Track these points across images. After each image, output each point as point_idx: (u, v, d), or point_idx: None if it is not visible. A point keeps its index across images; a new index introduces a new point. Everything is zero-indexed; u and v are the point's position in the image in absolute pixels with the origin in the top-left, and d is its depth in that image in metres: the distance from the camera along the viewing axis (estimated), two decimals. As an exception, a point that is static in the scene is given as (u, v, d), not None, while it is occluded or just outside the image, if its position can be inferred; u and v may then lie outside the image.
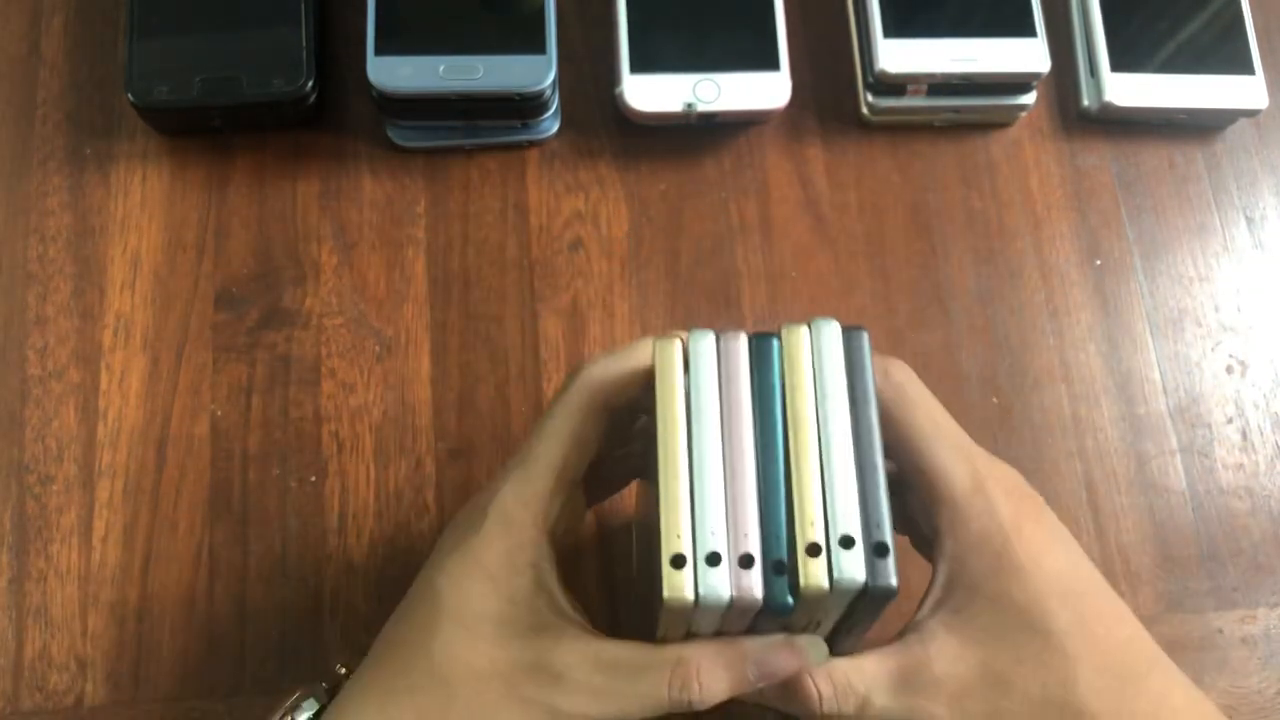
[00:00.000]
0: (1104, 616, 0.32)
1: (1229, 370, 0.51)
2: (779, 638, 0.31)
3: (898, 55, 0.50)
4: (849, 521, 0.28)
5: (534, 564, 0.32)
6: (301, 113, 0.49)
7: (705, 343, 0.30)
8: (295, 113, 0.48)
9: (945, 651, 0.32)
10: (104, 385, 0.46)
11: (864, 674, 0.32)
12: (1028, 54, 0.51)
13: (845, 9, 0.54)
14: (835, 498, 0.28)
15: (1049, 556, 0.32)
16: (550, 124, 0.50)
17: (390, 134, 0.50)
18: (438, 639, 0.32)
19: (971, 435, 0.48)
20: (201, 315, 0.47)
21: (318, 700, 0.34)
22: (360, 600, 0.44)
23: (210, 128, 0.49)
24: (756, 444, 0.29)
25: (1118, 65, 0.52)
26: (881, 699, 0.31)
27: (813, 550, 0.28)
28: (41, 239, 0.48)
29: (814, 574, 0.28)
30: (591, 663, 0.31)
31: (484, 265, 0.49)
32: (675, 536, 0.28)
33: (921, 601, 0.33)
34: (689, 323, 0.49)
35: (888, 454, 0.30)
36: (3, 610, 0.43)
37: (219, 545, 0.44)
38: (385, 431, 0.46)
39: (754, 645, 0.31)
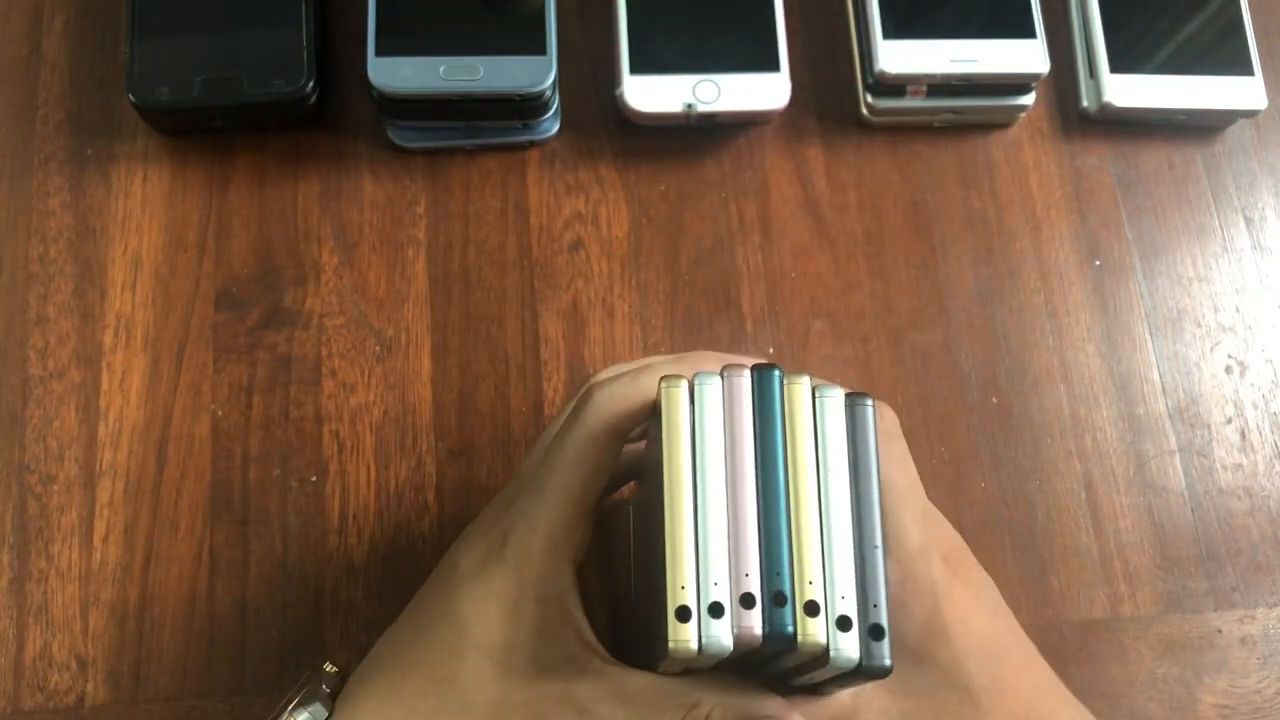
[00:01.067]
0: (1017, 669, 0.35)
1: (1228, 370, 0.51)
2: (790, 707, 0.32)
3: (897, 56, 0.50)
4: (846, 603, 0.28)
5: (558, 594, 0.33)
6: (302, 113, 0.49)
7: (711, 388, 0.30)
8: (296, 113, 0.49)
9: (873, 705, 0.33)
10: (105, 385, 0.46)
11: (798, 707, 0.33)
12: (1027, 55, 0.51)
13: (845, 10, 0.54)
14: (834, 577, 0.29)
15: (974, 618, 0.34)
16: (550, 124, 0.50)
17: (390, 134, 0.50)
18: (464, 666, 0.32)
19: (971, 435, 0.48)
20: (202, 315, 0.47)
21: (324, 707, 0.34)
22: (360, 600, 0.44)
23: (211, 128, 0.49)
24: (758, 492, 0.29)
25: (1117, 66, 0.52)
26: None
27: (811, 609, 0.28)
28: (42, 239, 0.48)
29: (812, 631, 0.28)
30: (615, 696, 0.31)
31: (484, 265, 0.49)
32: (680, 589, 0.28)
33: None
34: (689, 322, 0.49)
35: None
36: (4, 610, 0.43)
37: (219, 545, 0.45)
38: (386, 431, 0.46)
39: (763, 706, 0.32)
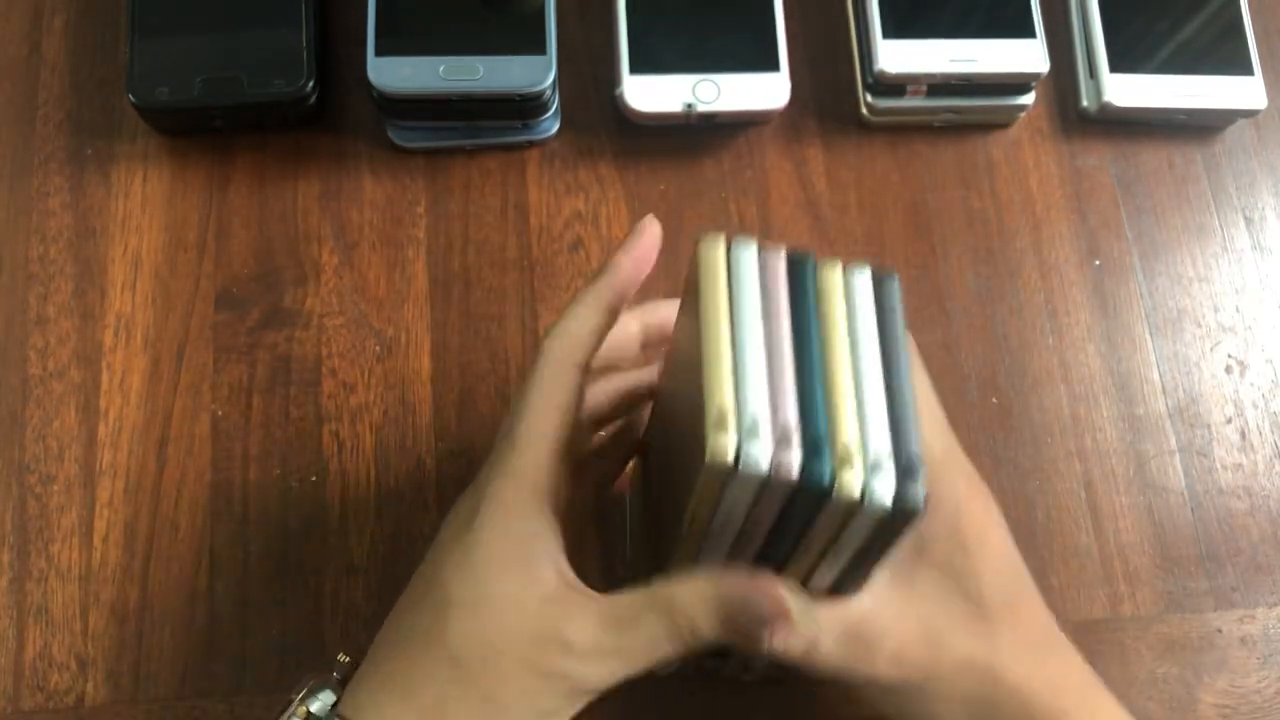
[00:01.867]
0: (1027, 600, 0.36)
1: (1228, 370, 0.51)
2: (768, 580, 0.31)
3: (897, 56, 0.50)
4: (879, 446, 0.28)
5: (534, 535, 0.33)
6: (302, 113, 0.49)
7: (748, 254, 0.30)
8: (296, 113, 0.49)
9: (890, 609, 0.34)
10: (105, 385, 0.46)
11: (815, 619, 0.33)
12: (1027, 55, 0.51)
13: (845, 10, 0.54)
14: (867, 421, 0.29)
15: (991, 538, 0.35)
16: (550, 124, 0.50)
17: (390, 134, 0.50)
18: (449, 625, 0.32)
19: (971, 435, 0.48)
20: (202, 315, 0.47)
21: (333, 692, 0.34)
22: (360, 600, 0.44)
23: (211, 128, 0.49)
24: (794, 345, 0.29)
25: (1117, 66, 0.52)
26: (829, 645, 0.33)
27: (845, 460, 0.28)
28: (42, 239, 0.48)
29: (847, 481, 0.28)
30: (597, 624, 0.31)
31: (484, 265, 0.49)
32: (719, 397, 0.28)
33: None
34: (689, 323, 0.49)
35: None
36: (4, 610, 0.43)
37: (219, 545, 0.45)
38: (386, 431, 0.46)
39: (738, 584, 0.31)
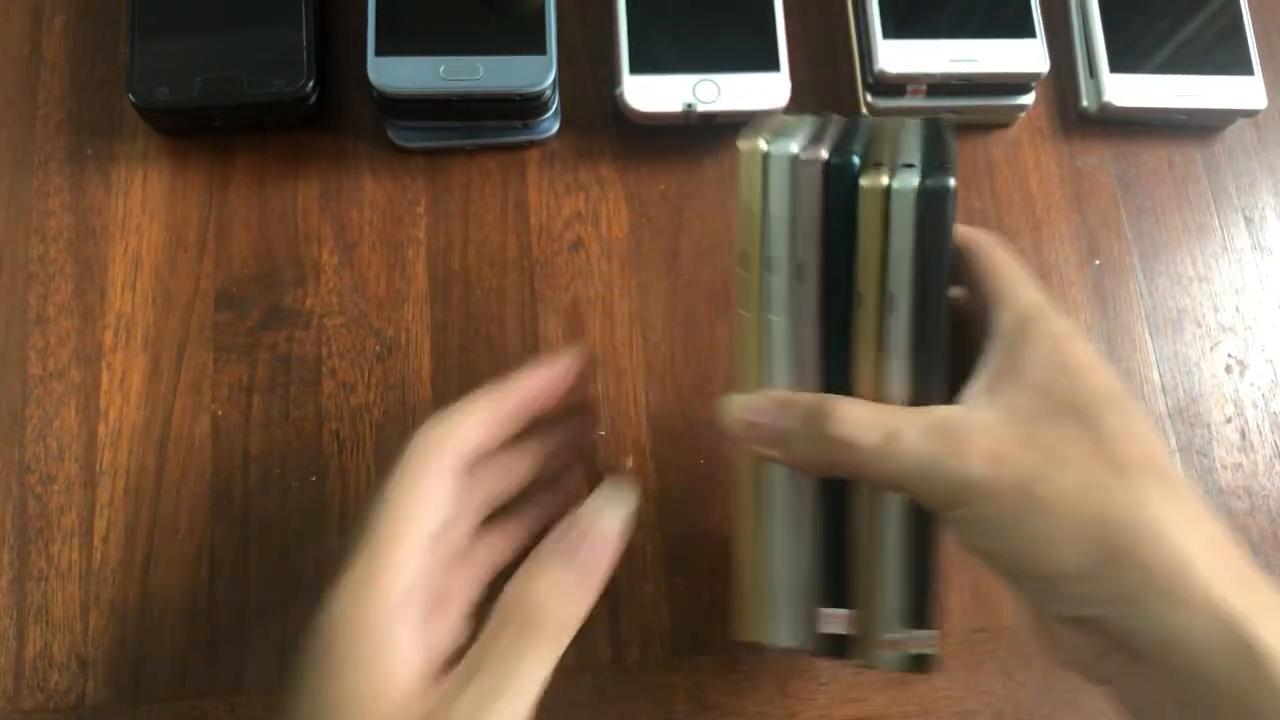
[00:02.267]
0: (1154, 443, 0.31)
1: (1228, 370, 0.51)
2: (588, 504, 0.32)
3: (897, 56, 0.50)
4: (910, 163, 0.32)
5: (383, 642, 0.31)
6: (302, 113, 0.49)
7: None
8: (296, 113, 0.49)
9: (986, 414, 0.30)
10: (105, 385, 0.46)
11: (896, 409, 0.31)
12: (1027, 55, 0.51)
13: (845, 9, 0.54)
14: (901, 150, 0.33)
15: (1099, 367, 0.32)
16: (550, 124, 0.50)
17: (390, 134, 0.50)
18: None
19: (971, 435, 0.48)
20: (202, 315, 0.47)
21: None
22: (361, 600, 0.44)
23: (211, 128, 0.49)
24: (833, 143, 0.33)
25: (1117, 66, 0.52)
26: (912, 437, 0.30)
27: (873, 166, 0.32)
28: (42, 239, 0.48)
29: (873, 175, 0.31)
30: (454, 668, 0.30)
31: (484, 265, 0.49)
32: (756, 133, 0.33)
33: (960, 393, 0.32)
34: (689, 322, 0.49)
35: (961, 281, 0.35)
36: (4, 610, 0.43)
37: (220, 545, 0.45)
38: (386, 431, 0.46)
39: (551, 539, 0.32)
